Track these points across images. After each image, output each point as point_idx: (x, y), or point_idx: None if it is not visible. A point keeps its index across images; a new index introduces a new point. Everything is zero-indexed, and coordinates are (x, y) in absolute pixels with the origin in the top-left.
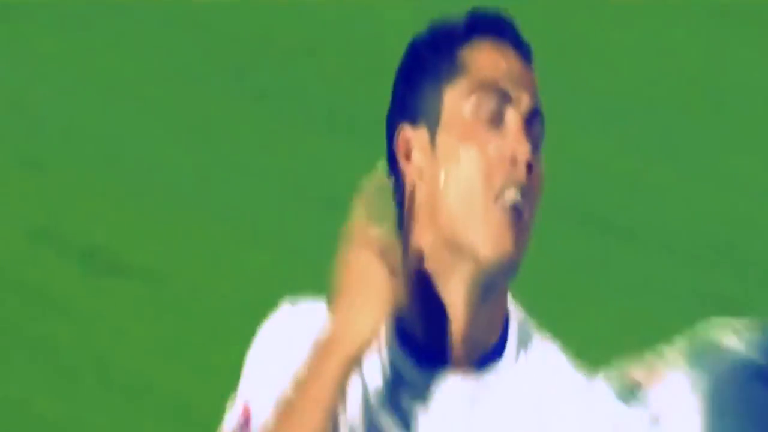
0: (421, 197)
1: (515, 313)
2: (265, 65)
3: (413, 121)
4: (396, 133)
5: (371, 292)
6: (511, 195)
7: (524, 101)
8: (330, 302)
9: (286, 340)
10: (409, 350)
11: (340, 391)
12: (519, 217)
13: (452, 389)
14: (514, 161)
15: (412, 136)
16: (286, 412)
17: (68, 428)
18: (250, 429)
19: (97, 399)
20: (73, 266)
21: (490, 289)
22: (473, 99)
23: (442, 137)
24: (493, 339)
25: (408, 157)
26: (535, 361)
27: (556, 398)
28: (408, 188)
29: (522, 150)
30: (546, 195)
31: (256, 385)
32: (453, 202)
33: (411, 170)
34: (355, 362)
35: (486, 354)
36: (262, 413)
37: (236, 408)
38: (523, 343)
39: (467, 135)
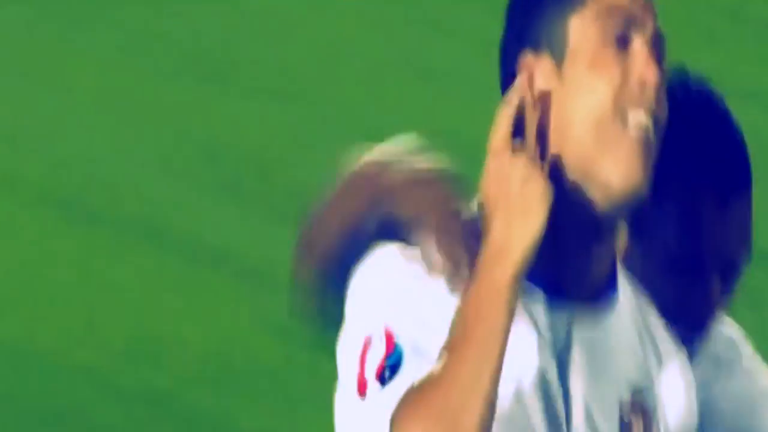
0: (545, 124)
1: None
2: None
3: (536, 47)
4: (518, 59)
5: (531, 197)
6: (641, 119)
7: (649, 24)
8: (484, 211)
9: (410, 271)
10: (533, 281)
11: (514, 296)
12: (648, 142)
13: (577, 323)
14: (642, 86)
15: (536, 62)
16: (462, 325)
17: None
18: (394, 354)
19: None
20: None
21: (616, 218)
22: (600, 26)
23: (569, 65)
24: (607, 271)
25: (531, 83)
26: (631, 295)
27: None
28: (531, 115)
29: (650, 74)
30: None
31: (395, 312)
32: (582, 128)
33: (535, 96)
34: (524, 266)
35: (602, 287)
36: (410, 336)
37: (375, 338)
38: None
39: (595, 62)
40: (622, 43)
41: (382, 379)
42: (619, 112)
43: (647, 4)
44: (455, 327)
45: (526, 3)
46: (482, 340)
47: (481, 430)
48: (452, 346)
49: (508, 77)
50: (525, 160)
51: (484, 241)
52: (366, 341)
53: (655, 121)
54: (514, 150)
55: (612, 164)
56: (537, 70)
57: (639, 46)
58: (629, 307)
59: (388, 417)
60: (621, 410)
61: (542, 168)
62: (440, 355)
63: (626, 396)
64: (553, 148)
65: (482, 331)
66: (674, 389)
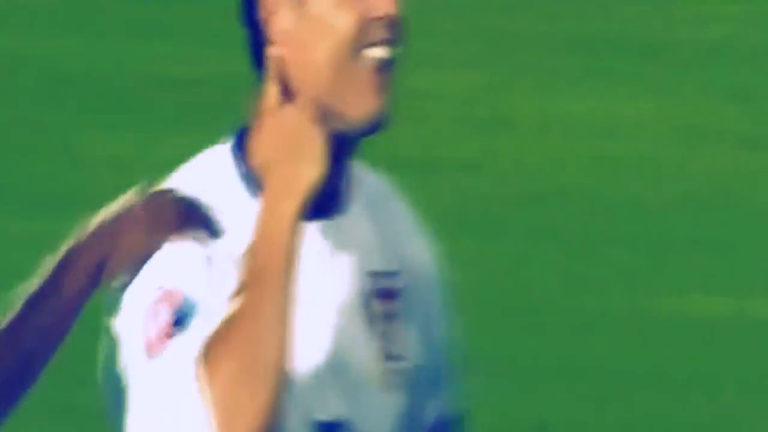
0: (286, 59)
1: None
2: None
3: None
4: None
5: (309, 144)
6: (380, 53)
7: None
8: (263, 167)
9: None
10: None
11: (300, 228)
12: (385, 73)
13: (312, 238)
14: (385, 19)
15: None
16: (254, 261)
17: None
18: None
19: None
20: None
21: (352, 145)
22: None
23: (311, 2)
24: (339, 183)
25: (271, 20)
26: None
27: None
28: (272, 51)
29: (391, 7)
30: None
31: (173, 272)
32: (322, 63)
33: (276, 33)
34: (308, 200)
35: (332, 198)
36: (193, 289)
37: (158, 299)
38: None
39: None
40: None
41: (179, 327)
42: (359, 46)
43: None
44: (248, 265)
45: None
46: (276, 274)
47: (282, 361)
48: (248, 283)
49: (250, 15)
50: (294, 112)
51: (264, 189)
52: (149, 305)
53: (394, 51)
54: (282, 104)
55: (351, 98)
56: (279, 6)
57: None
58: (368, 206)
59: (192, 361)
60: (364, 298)
61: (310, 112)
62: (236, 293)
63: (368, 285)
64: (295, 81)
65: (274, 264)
66: (421, 266)
